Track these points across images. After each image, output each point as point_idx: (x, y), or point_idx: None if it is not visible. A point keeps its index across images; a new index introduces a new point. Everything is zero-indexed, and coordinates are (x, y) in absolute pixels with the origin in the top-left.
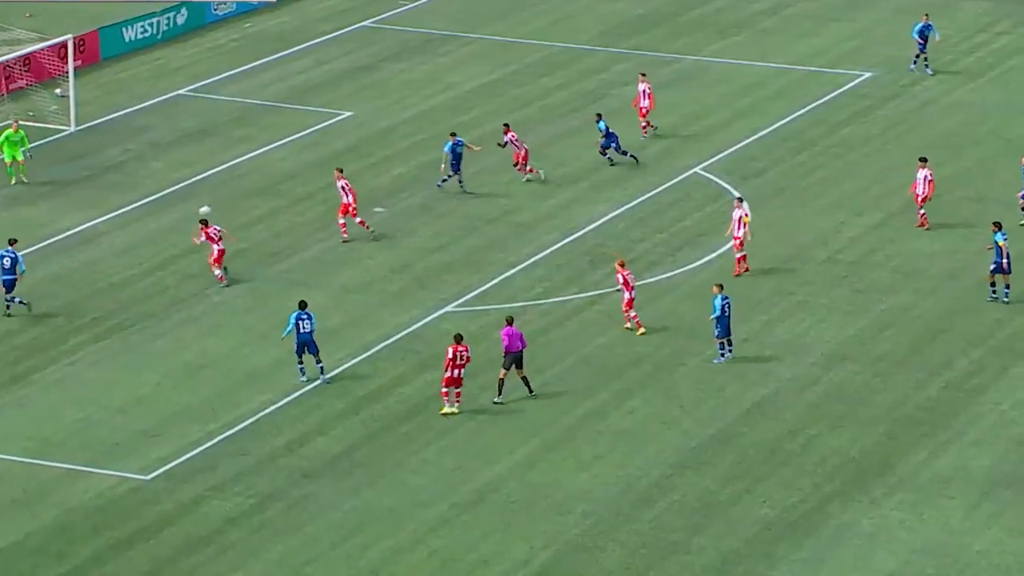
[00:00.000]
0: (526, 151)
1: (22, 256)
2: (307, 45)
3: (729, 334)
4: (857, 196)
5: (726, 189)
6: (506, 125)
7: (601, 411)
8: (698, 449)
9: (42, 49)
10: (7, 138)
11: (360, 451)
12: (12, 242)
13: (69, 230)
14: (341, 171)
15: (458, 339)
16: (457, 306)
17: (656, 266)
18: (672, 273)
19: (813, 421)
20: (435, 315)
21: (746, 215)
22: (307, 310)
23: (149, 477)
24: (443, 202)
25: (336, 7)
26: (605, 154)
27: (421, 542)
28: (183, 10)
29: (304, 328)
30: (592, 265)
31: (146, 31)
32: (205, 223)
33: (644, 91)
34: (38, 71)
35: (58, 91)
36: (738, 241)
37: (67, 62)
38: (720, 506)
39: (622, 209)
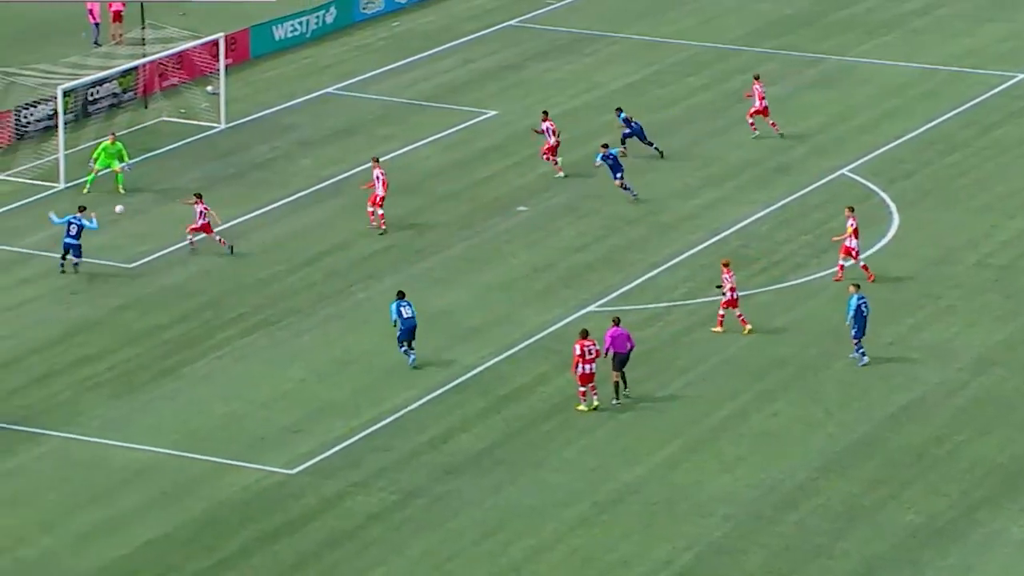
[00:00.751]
0: (557, 143)
1: (96, 221)
2: (453, 44)
3: (863, 335)
4: (1009, 199)
5: (873, 191)
6: (545, 113)
7: (744, 413)
8: (843, 453)
9: (195, 47)
10: (104, 149)
11: (502, 449)
12: (81, 209)
13: (218, 226)
14: (378, 160)
15: (584, 334)
16: (600, 306)
17: (801, 268)
18: (817, 275)
19: (961, 426)
20: (578, 314)
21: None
22: (406, 299)
23: (294, 471)
24: (587, 202)
25: (483, 6)
26: (624, 143)
27: (562, 541)
28: (332, 9)
29: (407, 315)
30: (736, 266)
31: (296, 30)
32: (200, 197)
33: (757, 91)
34: (190, 69)
35: (209, 88)
36: (848, 249)
37: (218, 60)
38: (865, 511)
39: (767, 210)
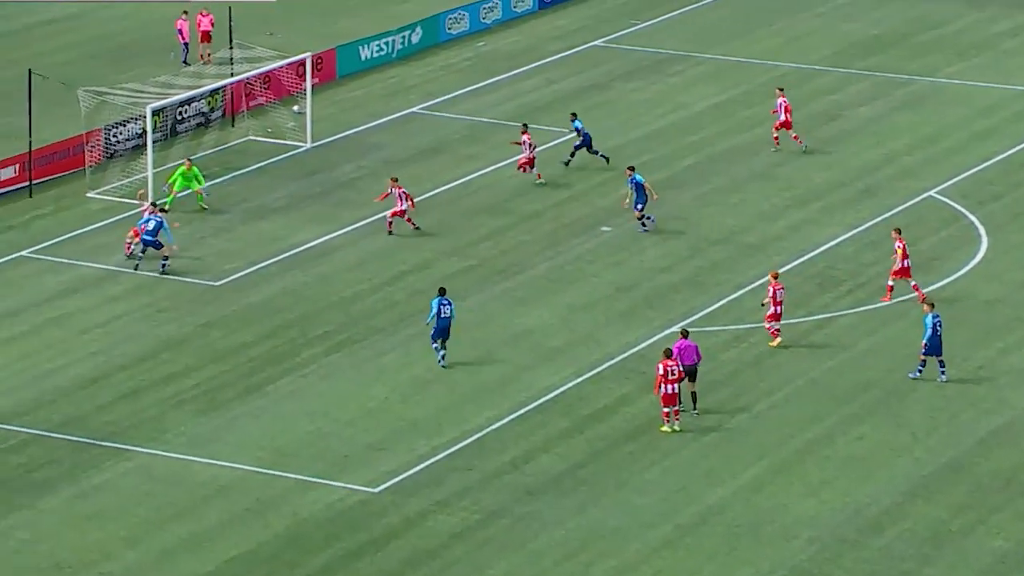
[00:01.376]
0: (532, 156)
1: (168, 225)
2: (537, 64)
3: (940, 353)
4: None
5: (961, 213)
6: (524, 126)
7: (829, 436)
8: (929, 477)
9: (282, 67)
10: (180, 174)
11: (584, 469)
12: (162, 209)
13: (303, 244)
14: (396, 180)
15: (668, 354)
16: (684, 326)
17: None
18: (904, 298)
19: None
20: (661, 335)
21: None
22: (447, 296)
23: (377, 490)
24: (671, 222)
25: (567, 27)
26: (574, 155)
27: (645, 562)
28: (418, 29)
29: (444, 314)
30: (821, 288)
31: (382, 50)
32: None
33: (782, 104)
34: (277, 88)
35: (296, 108)
36: (900, 272)
37: (305, 80)
38: (952, 536)
39: (853, 232)
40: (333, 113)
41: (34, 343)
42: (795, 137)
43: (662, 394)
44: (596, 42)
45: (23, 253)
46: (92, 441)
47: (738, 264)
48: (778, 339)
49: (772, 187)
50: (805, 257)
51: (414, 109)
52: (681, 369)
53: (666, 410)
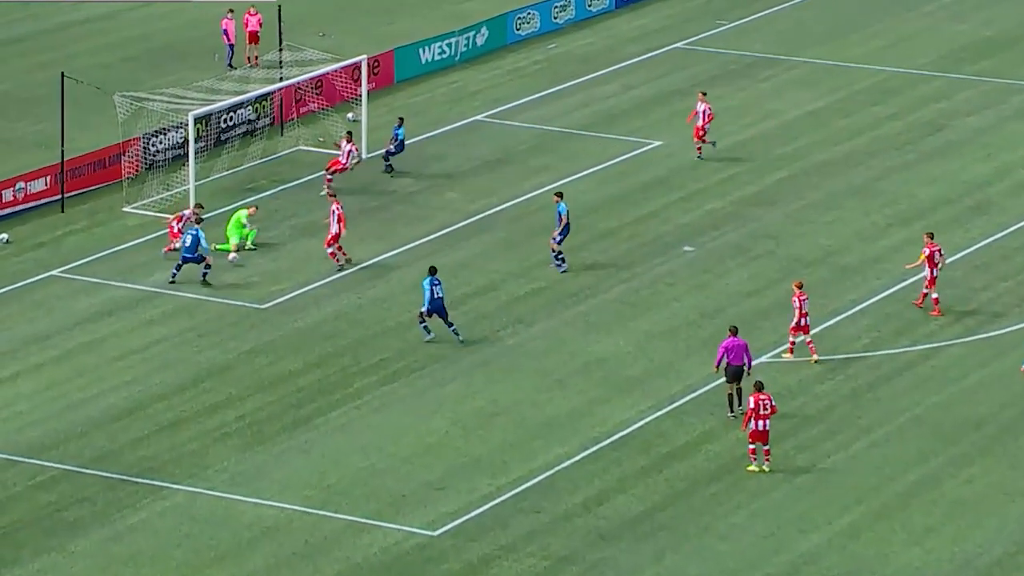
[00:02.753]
0: (346, 168)
1: (204, 235)
2: (614, 68)
3: None
4: None
5: None
6: (348, 134)
7: (935, 478)
8: None
9: (335, 71)
10: (237, 220)
11: (663, 513)
12: (198, 220)
13: (357, 264)
14: (335, 195)
15: (759, 387)
16: (773, 356)
17: (1000, 318)
18: (1018, 326)
19: None
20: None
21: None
22: (437, 276)
23: (436, 533)
24: (760, 241)
25: (647, 27)
26: (388, 161)
27: None
28: (483, 30)
29: (437, 294)
30: (927, 315)
31: (444, 52)
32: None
33: (704, 111)
34: (330, 94)
35: (350, 115)
36: (930, 278)
37: (360, 85)
38: None
39: (962, 254)
40: (390, 121)
41: (65, 370)
42: (704, 140)
43: (751, 430)
44: (678, 44)
45: (54, 272)
46: (127, 478)
47: (833, 288)
48: (815, 355)
49: (872, 204)
50: (908, 281)
51: (478, 117)
52: (775, 405)
53: (753, 446)
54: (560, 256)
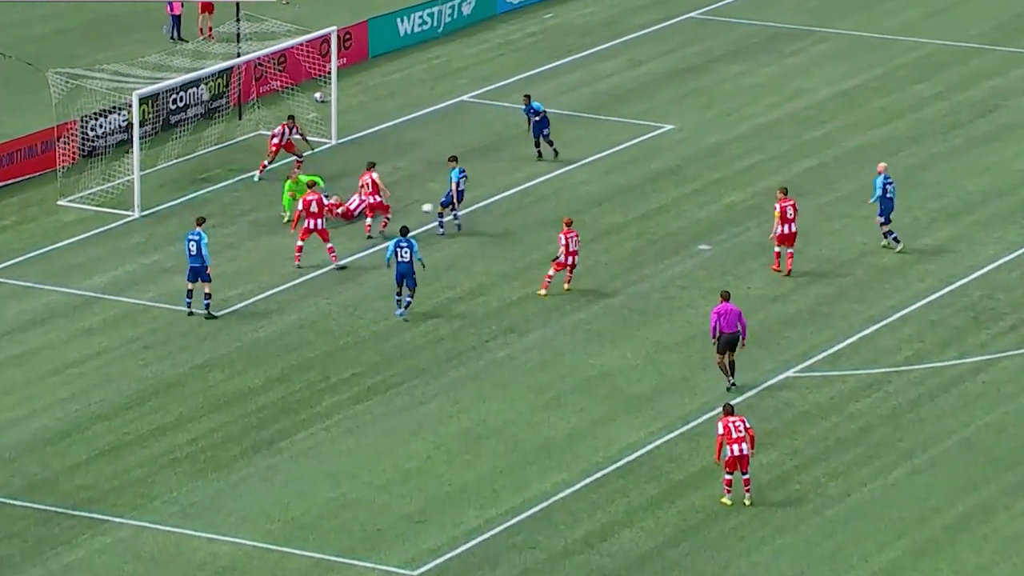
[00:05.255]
0: (281, 146)
1: (206, 240)
2: (620, 41)
3: None
4: None
5: None
6: (291, 118)
7: (988, 509)
8: None
9: (300, 44)
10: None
11: (675, 549)
12: (200, 221)
13: (326, 265)
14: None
15: (728, 410)
16: (801, 370)
17: None
18: None
19: None
20: (773, 380)
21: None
22: (408, 237)
23: (416, 572)
24: None
25: None
26: (538, 146)
27: None
28: None
29: (403, 257)
30: (977, 323)
31: (425, 23)
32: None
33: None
34: (295, 71)
35: (318, 95)
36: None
37: (329, 60)
38: None
39: (1017, 252)
40: (364, 102)
41: None
42: (545, 145)
43: (726, 458)
44: (693, 13)
45: None
46: (62, 510)
47: (870, 292)
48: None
49: (914, 196)
50: (957, 284)
51: (464, 97)
52: (751, 428)
53: (729, 477)
54: (444, 217)
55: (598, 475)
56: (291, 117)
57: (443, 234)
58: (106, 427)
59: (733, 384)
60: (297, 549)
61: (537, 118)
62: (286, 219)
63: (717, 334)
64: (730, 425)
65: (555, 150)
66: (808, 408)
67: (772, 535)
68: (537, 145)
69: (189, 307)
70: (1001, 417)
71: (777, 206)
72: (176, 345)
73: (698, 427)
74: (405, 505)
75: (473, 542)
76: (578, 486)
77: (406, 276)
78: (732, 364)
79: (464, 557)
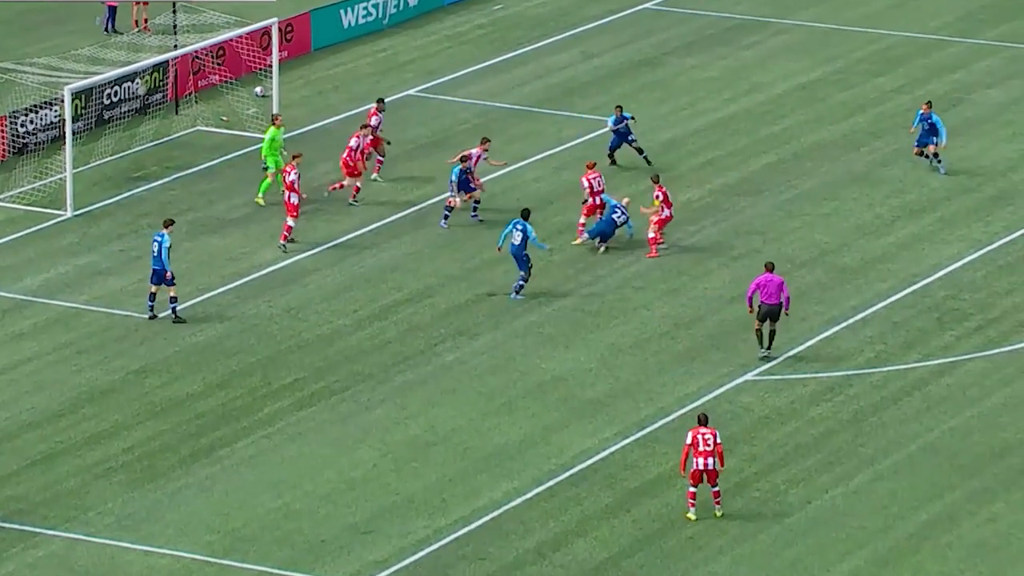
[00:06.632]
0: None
1: (167, 244)
2: (572, 33)
3: None
4: None
5: None
6: (380, 100)
7: (952, 516)
8: None
9: (240, 37)
10: (273, 139)
11: (630, 559)
12: (167, 224)
13: (267, 267)
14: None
15: (702, 420)
16: (760, 373)
17: None
18: None
19: None
20: (731, 384)
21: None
22: (525, 220)
23: None
24: (743, 238)
25: None
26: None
27: None
28: None
29: (515, 239)
30: (941, 324)
31: (369, 15)
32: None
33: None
34: (234, 65)
35: (258, 90)
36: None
37: (270, 53)
38: None
39: (982, 251)
40: (307, 96)
41: None
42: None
43: (691, 470)
44: (647, 4)
45: None
46: None
47: (831, 292)
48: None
49: (876, 193)
50: (920, 284)
51: (411, 91)
52: (718, 443)
53: (693, 490)
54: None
55: (551, 483)
56: (380, 100)
57: (446, 227)
58: (38, 436)
59: (767, 355)
60: (238, 562)
61: (621, 126)
62: (264, 167)
63: (755, 304)
64: (699, 437)
65: (646, 158)
66: (767, 413)
67: (730, 544)
68: (612, 154)
69: (151, 310)
70: (965, 421)
71: (659, 194)
72: (111, 350)
73: (654, 433)
74: (350, 515)
75: (421, 553)
76: (530, 495)
77: (517, 259)
78: (772, 334)
79: (412, 569)
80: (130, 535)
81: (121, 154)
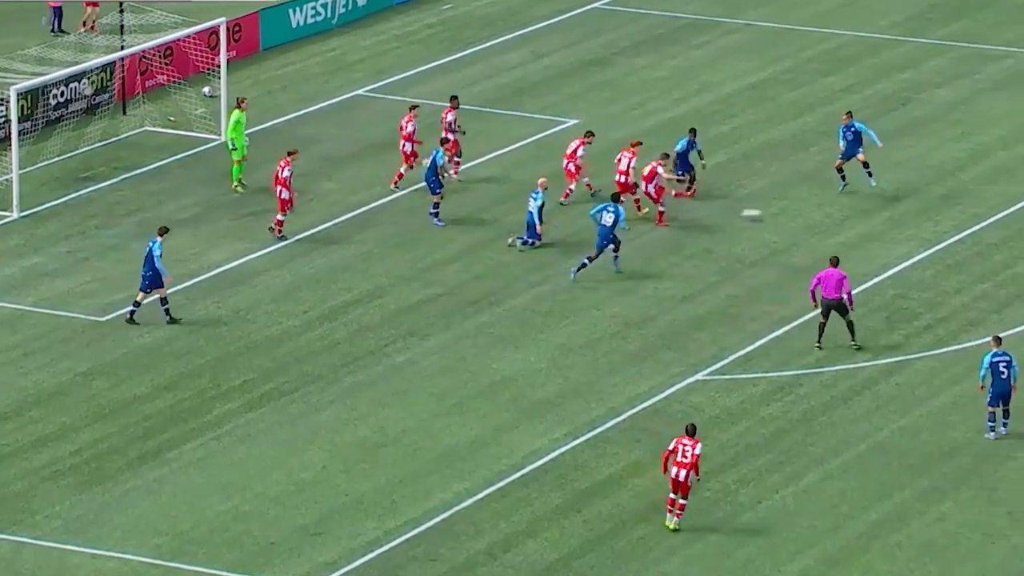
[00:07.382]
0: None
1: (159, 253)
2: (521, 33)
3: (1007, 403)
4: None
5: None
6: (454, 98)
7: (901, 516)
8: None
9: (188, 36)
10: (238, 122)
11: (581, 560)
12: (161, 231)
13: (215, 268)
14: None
15: (689, 431)
16: (710, 373)
17: (977, 326)
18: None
19: None
20: (682, 384)
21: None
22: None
23: None
24: (694, 237)
25: None
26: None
27: None
28: None
29: (605, 221)
30: (890, 324)
31: (318, 14)
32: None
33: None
34: (182, 64)
35: (206, 90)
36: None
37: (218, 53)
38: None
39: (931, 250)
40: (256, 96)
41: None
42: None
43: (670, 477)
44: (596, 4)
45: None
46: None
47: (781, 292)
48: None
49: (826, 192)
50: (869, 283)
51: (360, 91)
52: (695, 455)
53: (672, 496)
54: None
55: (501, 484)
56: (454, 97)
57: (442, 225)
58: None
59: (819, 346)
60: (186, 564)
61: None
62: (233, 148)
63: (817, 299)
64: (679, 446)
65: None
66: (718, 413)
67: (681, 544)
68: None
69: (131, 315)
70: (915, 420)
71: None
72: (58, 352)
73: (605, 433)
74: (300, 517)
75: (371, 555)
76: (480, 495)
77: (602, 238)
78: (850, 325)
79: (362, 570)
80: (78, 538)
81: (69, 154)
